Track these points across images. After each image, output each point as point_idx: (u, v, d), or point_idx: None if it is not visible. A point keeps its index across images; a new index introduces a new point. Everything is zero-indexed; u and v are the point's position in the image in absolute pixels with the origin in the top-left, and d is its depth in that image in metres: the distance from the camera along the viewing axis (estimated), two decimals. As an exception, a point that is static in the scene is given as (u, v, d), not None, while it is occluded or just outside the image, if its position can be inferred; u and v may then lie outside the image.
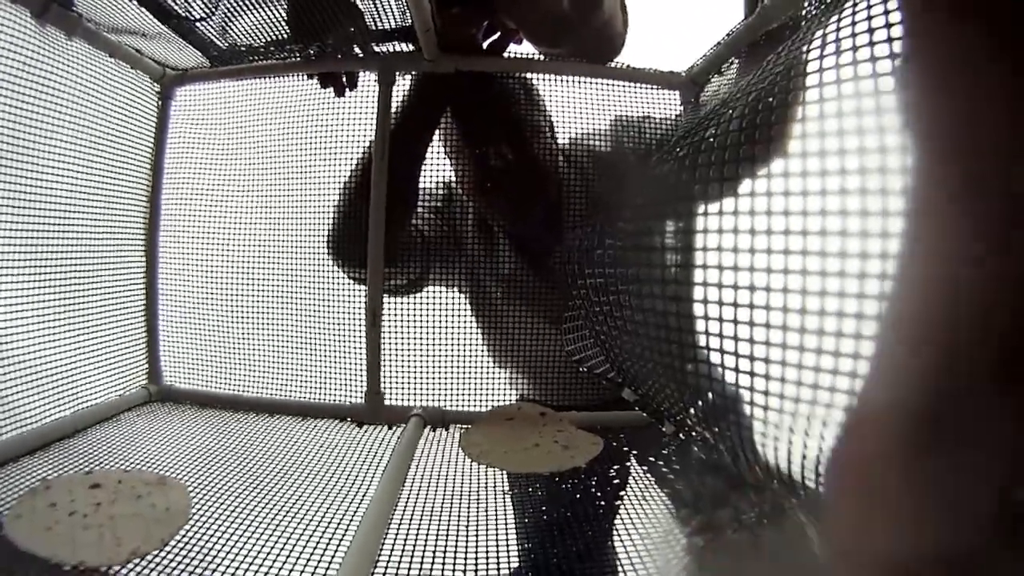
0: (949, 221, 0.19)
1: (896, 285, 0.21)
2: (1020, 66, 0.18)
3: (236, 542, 0.68)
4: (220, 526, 0.71)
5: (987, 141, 0.18)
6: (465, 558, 0.67)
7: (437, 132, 1.11)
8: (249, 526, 0.72)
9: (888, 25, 0.37)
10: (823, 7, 0.61)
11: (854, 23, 0.40)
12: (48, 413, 0.92)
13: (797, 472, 0.46)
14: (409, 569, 0.64)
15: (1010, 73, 0.18)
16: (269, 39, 1.06)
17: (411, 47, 1.06)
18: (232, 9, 0.97)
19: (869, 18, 0.39)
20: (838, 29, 0.42)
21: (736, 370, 0.49)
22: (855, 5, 0.41)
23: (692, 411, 0.64)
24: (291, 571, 0.64)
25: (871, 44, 0.38)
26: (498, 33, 1.07)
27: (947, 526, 0.18)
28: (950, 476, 0.18)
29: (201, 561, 0.65)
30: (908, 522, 0.19)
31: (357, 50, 1.08)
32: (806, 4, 0.77)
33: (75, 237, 1.01)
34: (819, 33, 0.44)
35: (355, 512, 0.74)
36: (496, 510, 0.77)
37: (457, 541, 0.70)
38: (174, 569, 0.63)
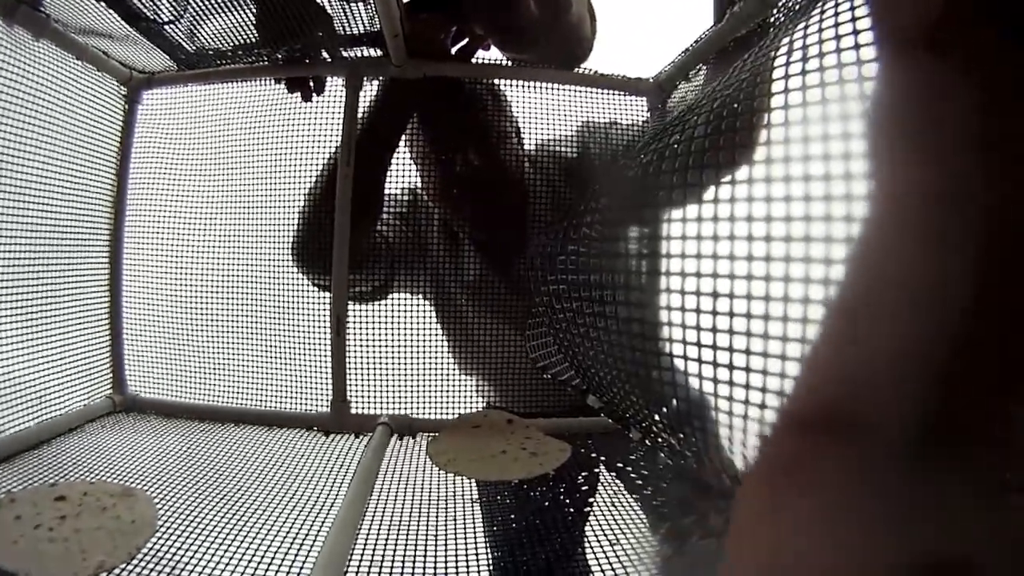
0: (912, 222, 0.19)
1: (849, 285, 0.21)
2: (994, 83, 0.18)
3: (203, 553, 0.68)
4: (187, 537, 0.70)
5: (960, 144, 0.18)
6: (434, 566, 0.67)
7: (403, 138, 1.10)
8: (216, 537, 0.71)
9: (855, 32, 0.37)
10: (791, 14, 0.61)
11: (820, 30, 0.40)
12: (11, 424, 0.91)
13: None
14: (379, 577, 0.64)
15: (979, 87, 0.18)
16: (237, 43, 1.05)
17: (379, 52, 1.05)
18: (200, 13, 0.96)
19: (836, 25, 0.39)
20: (805, 36, 0.42)
21: (700, 376, 0.49)
22: (822, 13, 0.41)
23: (657, 417, 0.64)
24: (259, 582, 0.64)
25: (838, 51, 0.38)
26: (466, 39, 1.07)
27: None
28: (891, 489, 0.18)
29: (169, 573, 0.64)
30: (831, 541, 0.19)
31: (325, 55, 1.08)
32: (774, 11, 0.78)
33: (37, 242, 1.00)
34: (786, 40, 0.45)
35: (323, 522, 0.74)
36: (464, 518, 0.77)
37: (426, 549, 0.69)
38: (141, 581, 0.63)
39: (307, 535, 0.71)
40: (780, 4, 0.75)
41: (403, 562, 0.66)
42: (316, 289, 1.09)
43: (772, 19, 0.79)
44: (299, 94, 1.09)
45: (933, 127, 0.19)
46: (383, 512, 0.77)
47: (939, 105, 0.19)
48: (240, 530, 0.72)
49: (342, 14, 0.96)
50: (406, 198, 1.17)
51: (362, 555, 0.67)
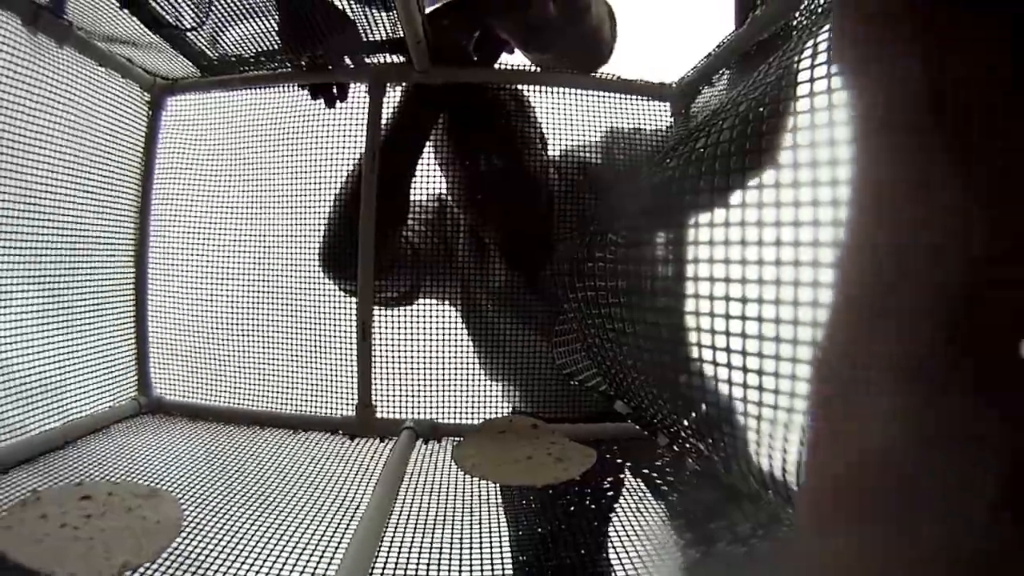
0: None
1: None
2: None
3: (228, 556, 0.68)
4: (211, 539, 0.70)
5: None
6: (460, 571, 0.67)
7: (428, 144, 1.10)
8: (241, 540, 0.71)
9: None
10: (813, 17, 0.61)
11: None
12: (38, 424, 0.91)
13: (792, 481, 0.46)
14: (404, 582, 0.64)
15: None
16: (260, 49, 1.06)
17: (402, 58, 1.06)
18: (223, 19, 0.97)
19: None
20: (829, 38, 0.42)
21: (729, 381, 0.49)
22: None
23: (685, 422, 0.64)
24: (283, 585, 0.64)
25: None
26: (489, 43, 1.07)
27: (945, 528, 0.18)
28: (942, 476, 0.18)
29: (193, 574, 0.64)
30: (902, 527, 0.19)
31: (348, 61, 1.08)
32: (797, 14, 0.77)
33: (64, 247, 1.01)
34: (810, 42, 0.44)
35: (348, 525, 0.74)
36: (490, 523, 0.76)
37: (451, 554, 0.69)
38: (165, 583, 0.63)
39: (332, 539, 0.71)
40: (803, 7, 0.75)
41: (428, 566, 0.66)
42: (343, 294, 1.10)
43: (795, 22, 0.79)
44: (322, 100, 1.09)
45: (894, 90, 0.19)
46: (408, 516, 0.77)
47: (896, 72, 0.19)
48: (265, 532, 0.72)
49: (365, 21, 0.97)
50: (432, 204, 1.17)
51: (387, 559, 0.67)
